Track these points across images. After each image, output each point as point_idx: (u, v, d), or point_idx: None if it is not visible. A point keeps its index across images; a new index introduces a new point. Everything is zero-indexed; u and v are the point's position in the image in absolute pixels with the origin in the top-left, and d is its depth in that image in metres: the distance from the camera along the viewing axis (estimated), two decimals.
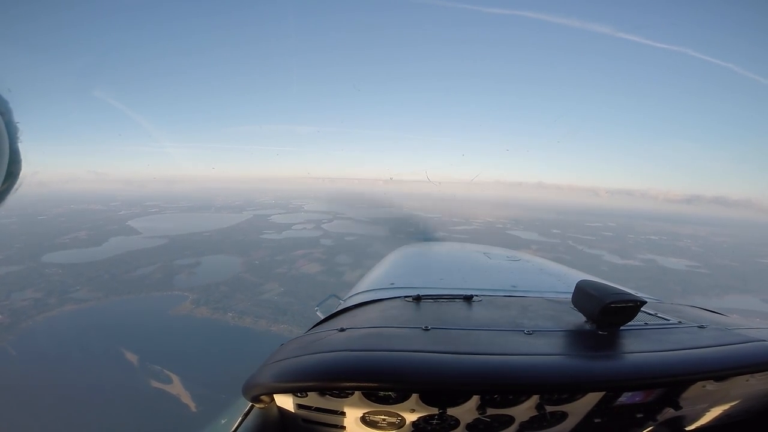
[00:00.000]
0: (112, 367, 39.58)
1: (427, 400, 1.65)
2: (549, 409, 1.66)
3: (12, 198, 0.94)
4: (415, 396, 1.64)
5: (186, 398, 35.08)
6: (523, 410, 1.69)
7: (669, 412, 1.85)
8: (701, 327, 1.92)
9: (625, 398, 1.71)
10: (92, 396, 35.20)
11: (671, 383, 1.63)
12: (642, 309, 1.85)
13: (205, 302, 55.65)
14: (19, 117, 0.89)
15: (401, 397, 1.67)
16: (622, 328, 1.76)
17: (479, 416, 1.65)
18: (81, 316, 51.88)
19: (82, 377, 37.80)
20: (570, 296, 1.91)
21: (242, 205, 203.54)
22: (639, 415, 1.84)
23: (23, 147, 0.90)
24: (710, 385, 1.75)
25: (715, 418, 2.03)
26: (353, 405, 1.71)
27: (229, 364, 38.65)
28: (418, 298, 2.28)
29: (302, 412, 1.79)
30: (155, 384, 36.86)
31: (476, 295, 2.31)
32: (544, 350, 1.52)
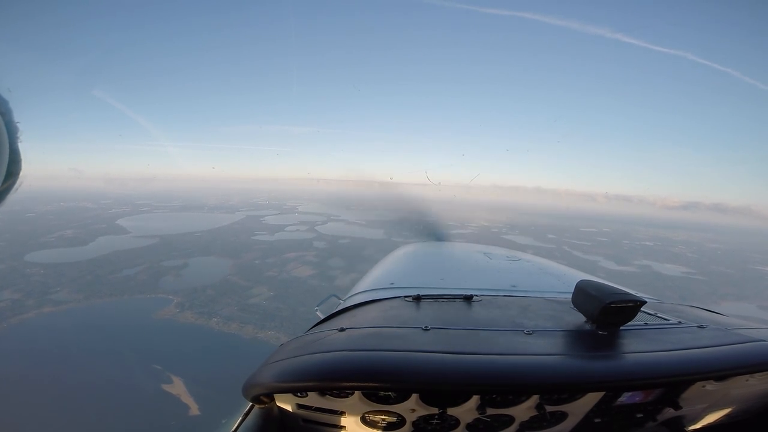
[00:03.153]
0: (86, 370, 37.83)
1: (427, 400, 1.66)
2: (549, 409, 1.68)
3: (12, 198, 0.95)
4: (415, 396, 1.65)
5: (180, 401, 33.40)
6: (523, 410, 1.70)
7: (669, 412, 1.85)
8: (701, 327, 1.92)
9: (625, 398, 1.72)
10: (66, 399, 33.66)
11: (671, 383, 1.65)
12: (642, 309, 1.86)
13: (190, 306, 53.67)
14: (19, 117, 0.89)
15: (401, 397, 1.68)
16: (622, 328, 1.77)
17: (479, 416, 1.67)
18: (58, 318, 49.65)
19: (55, 381, 35.90)
20: (570, 296, 1.91)
21: (236, 205, 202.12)
22: (639, 415, 1.84)
23: (23, 147, 0.91)
24: (710, 385, 1.75)
25: (715, 418, 2.02)
26: (353, 405, 1.72)
27: (209, 372, 37.20)
28: (418, 298, 2.26)
29: (302, 412, 1.79)
30: (135, 387, 35.36)
31: (476, 295, 2.30)
32: (544, 350, 1.53)
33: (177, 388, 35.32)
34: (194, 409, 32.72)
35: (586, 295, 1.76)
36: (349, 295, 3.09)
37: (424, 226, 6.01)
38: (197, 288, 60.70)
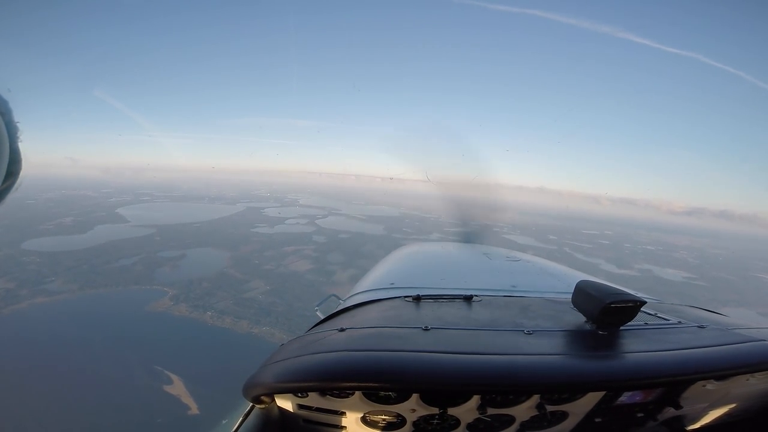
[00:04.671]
0: (76, 364, 37.21)
1: (427, 400, 1.67)
2: (549, 408, 1.69)
3: (12, 197, 0.95)
4: (415, 396, 1.66)
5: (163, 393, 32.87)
6: (524, 410, 1.71)
7: (669, 412, 1.87)
8: (701, 327, 1.93)
9: (625, 398, 1.73)
10: (57, 395, 33.09)
11: (671, 383, 1.66)
12: (642, 309, 1.86)
13: (184, 299, 53.00)
14: (19, 117, 0.90)
15: (401, 397, 1.69)
16: (622, 328, 1.78)
17: (480, 416, 1.68)
18: (51, 309, 48.99)
19: (47, 376, 35.30)
20: (570, 296, 1.92)
21: (237, 196, 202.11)
22: (639, 415, 1.86)
23: (23, 147, 0.92)
24: (710, 385, 1.76)
25: (715, 417, 2.04)
26: (353, 405, 1.73)
27: (200, 367, 36.75)
28: (418, 298, 2.27)
29: (303, 412, 1.80)
30: (120, 381, 34.77)
31: (476, 295, 2.30)
32: (544, 350, 1.54)
33: (171, 384, 34.74)
34: (193, 408, 32.16)
35: (586, 295, 1.76)
36: (349, 295, 3.07)
37: (469, 230, 5.95)
38: (193, 280, 60.15)
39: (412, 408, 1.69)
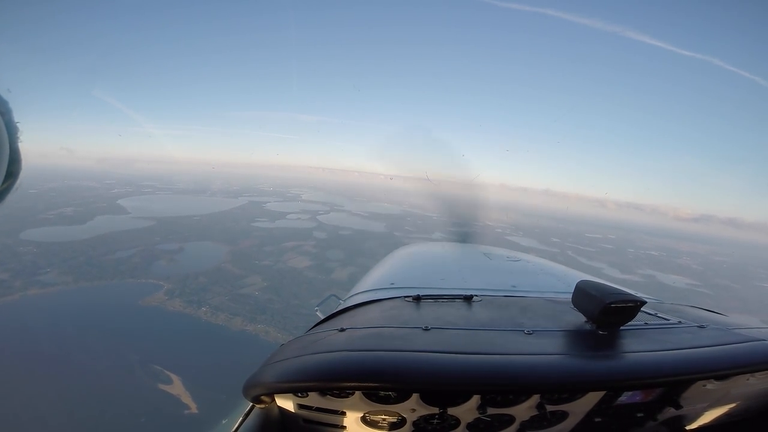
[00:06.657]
0: (61, 357, 36.63)
1: (427, 399, 1.68)
2: (549, 408, 1.70)
3: (12, 197, 0.95)
4: (415, 396, 1.67)
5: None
6: (524, 410, 1.72)
7: (669, 412, 1.88)
8: (701, 327, 1.94)
9: (625, 398, 1.74)
10: (43, 389, 32.50)
11: (671, 383, 1.67)
12: (642, 309, 1.87)
13: (179, 294, 52.25)
14: (18, 117, 0.90)
15: (402, 397, 1.70)
16: (622, 328, 1.79)
17: (480, 416, 1.69)
18: (43, 301, 48.31)
19: (36, 372, 34.54)
20: (570, 296, 1.93)
21: (239, 190, 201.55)
22: (639, 415, 1.88)
23: (22, 145, 0.91)
24: (710, 385, 1.77)
25: (715, 417, 2.06)
26: (354, 405, 1.74)
27: (189, 363, 36.04)
28: (418, 298, 2.29)
29: (303, 412, 1.82)
30: (113, 376, 34.31)
31: (476, 295, 2.32)
32: (545, 350, 1.55)
33: (170, 384, 34.05)
34: (192, 408, 31.50)
35: (586, 295, 1.77)
36: (349, 295, 3.06)
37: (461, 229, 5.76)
38: (189, 275, 59.34)
39: (412, 408, 1.69)
